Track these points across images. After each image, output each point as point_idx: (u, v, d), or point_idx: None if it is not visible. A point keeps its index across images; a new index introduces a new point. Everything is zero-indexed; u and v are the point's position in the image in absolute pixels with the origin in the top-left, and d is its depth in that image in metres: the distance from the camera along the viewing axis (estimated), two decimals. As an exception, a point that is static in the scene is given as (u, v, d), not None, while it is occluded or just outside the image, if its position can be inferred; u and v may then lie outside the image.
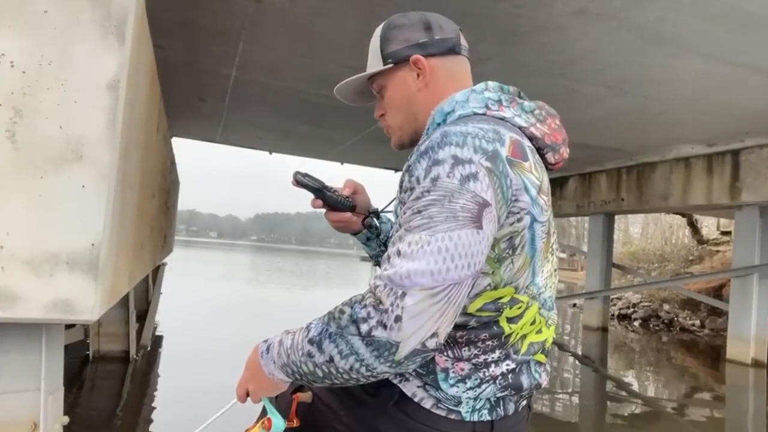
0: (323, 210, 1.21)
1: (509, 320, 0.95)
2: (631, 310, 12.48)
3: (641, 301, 12.58)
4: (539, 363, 1.02)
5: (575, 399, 5.51)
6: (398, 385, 0.96)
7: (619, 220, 31.00)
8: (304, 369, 0.88)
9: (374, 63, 1.11)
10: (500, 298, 0.93)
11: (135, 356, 4.69)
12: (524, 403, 1.04)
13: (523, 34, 4.36)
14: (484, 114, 0.99)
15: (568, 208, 10.40)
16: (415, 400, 0.95)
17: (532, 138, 1.01)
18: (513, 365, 0.96)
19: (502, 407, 0.98)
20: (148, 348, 5.15)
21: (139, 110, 2.50)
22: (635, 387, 6.22)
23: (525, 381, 0.98)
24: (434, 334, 0.81)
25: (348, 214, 1.20)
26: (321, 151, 10.30)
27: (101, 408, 3.85)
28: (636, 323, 11.83)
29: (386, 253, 0.87)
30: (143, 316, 6.21)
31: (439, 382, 0.94)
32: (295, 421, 1.04)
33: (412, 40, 1.07)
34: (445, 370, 0.94)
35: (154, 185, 3.72)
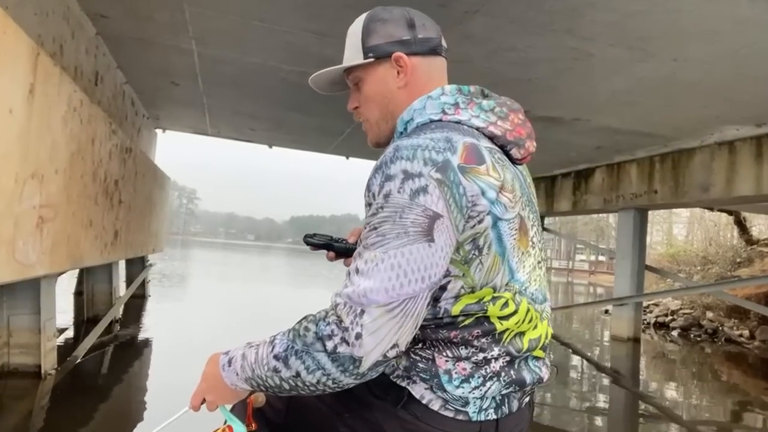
0: (339, 260, 1.23)
1: (501, 318, 0.96)
2: (670, 317, 11.20)
3: (681, 308, 11.27)
4: (537, 358, 1.03)
5: (602, 420, 4.72)
6: (407, 387, 0.97)
7: (663, 220, 29.51)
8: (270, 382, 0.92)
9: (353, 54, 1.09)
10: (481, 299, 0.95)
11: (50, 371, 3.96)
12: (527, 399, 1.05)
13: (510, -29, 3.45)
14: (440, 120, 1.00)
15: (595, 204, 9.32)
16: (423, 401, 0.96)
17: (492, 137, 1.01)
18: (513, 361, 0.98)
19: (506, 405, 0.99)
20: (78, 361, 4.43)
21: None
22: (672, 406, 5.29)
23: (527, 376, 0.99)
24: (394, 345, 0.86)
25: None
26: (320, 143, 9.55)
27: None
28: (674, 333, 10.57)
29: (348, 269, 0.92)
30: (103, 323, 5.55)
31: (444, 384, 0.95)
32: (253, 424, 1.06)
33: (395, 36, 1.06)
34: (448, 372, 0.95)
35: (30, 167, 2.97)
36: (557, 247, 56.73)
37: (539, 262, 1.05)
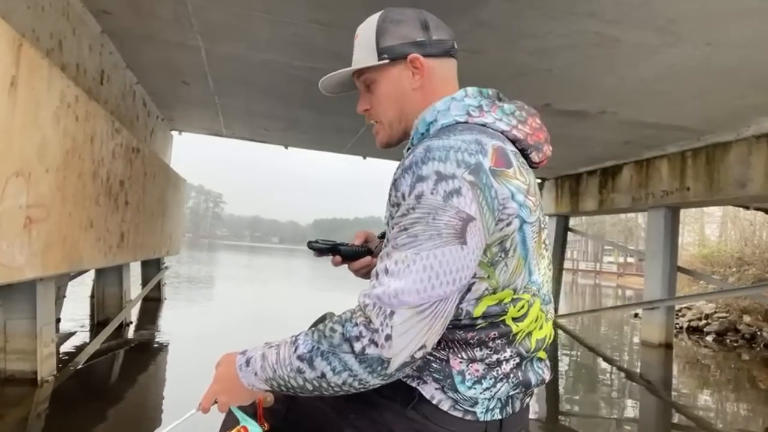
0: (344, 265, 1.26)
1: (515, 319, 0.97)
2: (704, 322, 10.65)
3: (716, 312, 10.72)
4: (540, 359, 1.05)
5: (633, 430, 4.44)
6: (417, 387, 0.97)
7: (694, 221, 28.46)
8: (292, 383, 0.91)
9: (365, 55, 1.08)
10: (502, 300, 0.96)
11: (47, 378, 3.82)
12: (528, 400, 1.08)
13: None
14: (466, 122, 1.01)
15: (623, 202, 8.89)
16: (434, 402, 0.96)
17: (514, 140, 1.03)
18: (522, 362, 1.00)
19: (510, 406, 1.01)
20: (80, 367, 4.28)
21: None
22: (707, 416, 4.94)
23: (532, 378, 1.01)
24: (422, 347, 0.86)
25: (368, 258, 1.23)
26: (336, 142, 9.35)
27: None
28: (709, 338, 10.04)
29: (374, 269, 0.91)
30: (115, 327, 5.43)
31: (457, 385, 0.96)
32: (266, 424, 1.05)
33: (410, 38, 1.06)
34: (461, 373, 0.96)
35: (14, 164, 2.82)
36: (584, 248, 55.62)
37: (548, 264, 1.06)
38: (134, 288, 7.39)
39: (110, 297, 6.19)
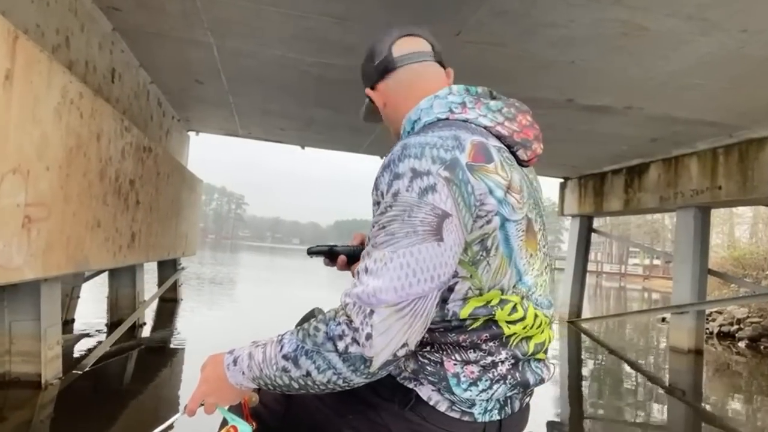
0: (348, 270, 1.24)
1: (508, 323, 0.96)
2: (735, 327, 10.21)
3: (748, 317, 10.26)
4: (539, 360, 1.04)
5: None
6: (414, 388, 0.97)
7: (722, 222, 27.59)
8: (278, 382, 0.92)
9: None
10: (489, 302, 0.95)
11: (51, 381, 3.73)
12: (527, 400, 1.07)
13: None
14: (447, 119, 1.01)
15: (650, 202, 8.56)
16: (431, 403, 0.96)
17: (500, 137, 1.02)
18: (518, 363, 0.99)
19: (509, 406, 1.00)
20: (87, 369, 4.20)
21: None
22: (739, 426, 4.65)
23: (530, 378, 1.00)
24: (404, 345, 0.86)
25: None
26: (352, 142, 9.22)
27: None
28: (741, 343, 9.60)
29: (357, 268, 0.91)
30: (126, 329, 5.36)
31: (452, 387, 0.95)
32: (253, 423, 1.05)
33: (368, 72, 1.16)
34: (456, 375, 0.95)
35: (11, 162, 2.72)
36: (608, 250, 54.66)
37: (545, 267, 1.05)
38: (151, 289, 7.36)
39: (123, 298, 6.14)
